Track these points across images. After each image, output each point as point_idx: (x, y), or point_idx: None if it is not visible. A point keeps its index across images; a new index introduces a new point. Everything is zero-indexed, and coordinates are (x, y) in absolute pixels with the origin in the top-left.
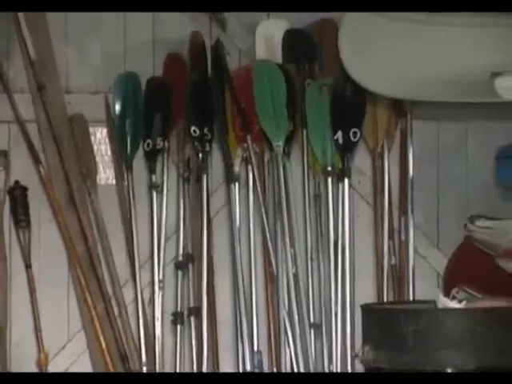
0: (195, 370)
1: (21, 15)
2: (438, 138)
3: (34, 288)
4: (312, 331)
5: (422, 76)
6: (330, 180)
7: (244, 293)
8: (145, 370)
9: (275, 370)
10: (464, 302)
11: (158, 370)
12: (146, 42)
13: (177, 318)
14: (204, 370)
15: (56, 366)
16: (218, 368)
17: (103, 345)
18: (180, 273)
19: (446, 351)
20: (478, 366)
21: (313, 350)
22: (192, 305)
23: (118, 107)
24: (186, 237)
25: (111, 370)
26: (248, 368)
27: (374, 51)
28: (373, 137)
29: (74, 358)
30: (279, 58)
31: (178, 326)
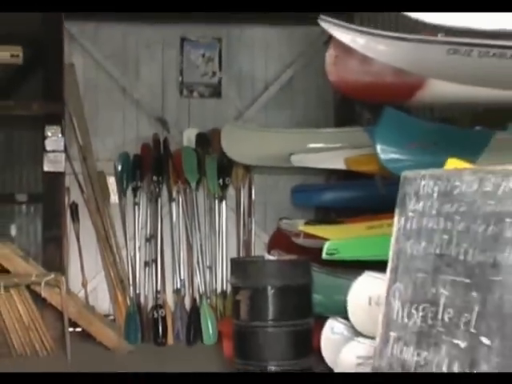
0: (154, 288)
1: (75, 123)
2: (265, 182)
3: (80, 250)
4: (208, 270)
5: (260, 153)
6: (216, 201)
7: (177, 253)
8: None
9: (191, 289)
10: (276, 257)
11: (137, 289)
12: (133, 138)
13: (146, 264)
14: (159, 288)
15: (91, 285)
16: (164, 287)
17: (112, 276)
18: (148, 243)
19: (267, 278)
20: (281, 284)
21: (207, 279)
22: (153, 257)
23: (119, 168)
24: (150, 227)
25: (116, 288)
26: (178, 286)
27: (231, 143)
28: (236, 181)
29: (99, 281)
30: (194, 145)
31: (147, 268)
